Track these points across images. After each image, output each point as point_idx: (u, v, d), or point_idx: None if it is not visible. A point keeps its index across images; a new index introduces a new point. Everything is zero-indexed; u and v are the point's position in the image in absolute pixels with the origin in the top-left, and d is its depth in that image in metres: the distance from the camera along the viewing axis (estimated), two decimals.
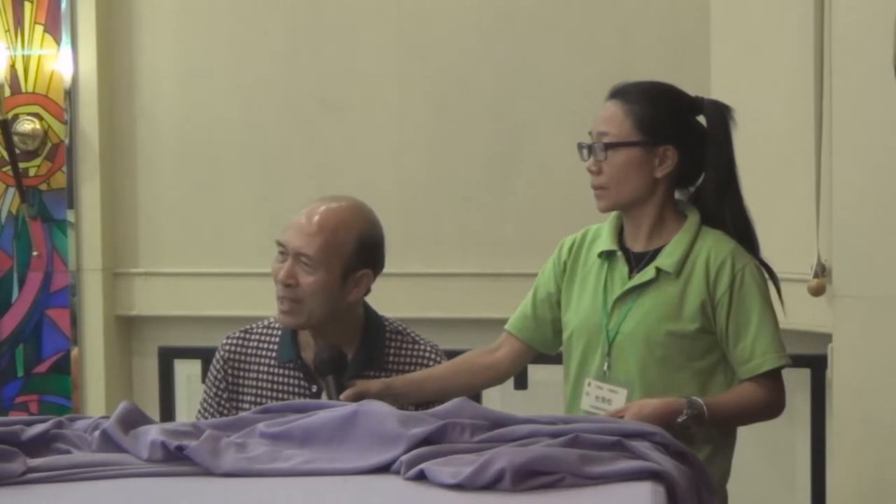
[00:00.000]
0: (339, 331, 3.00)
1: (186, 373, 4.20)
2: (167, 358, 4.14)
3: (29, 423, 2.41)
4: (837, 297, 3.75)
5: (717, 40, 4.31)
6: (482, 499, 2.08)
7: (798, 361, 3.54)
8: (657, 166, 2.88)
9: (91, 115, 4.79)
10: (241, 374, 3.08)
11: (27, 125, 4.78)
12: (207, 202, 4.81)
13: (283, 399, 3.00)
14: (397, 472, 2.20)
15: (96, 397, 4.82)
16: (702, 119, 2.93)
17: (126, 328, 4.93)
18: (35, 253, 4.81)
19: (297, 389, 3.02)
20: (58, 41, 4.76)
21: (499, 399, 3.89)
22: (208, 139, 4.81)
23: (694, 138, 2.90)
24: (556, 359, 3.05)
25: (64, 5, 4.74)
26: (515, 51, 4.60)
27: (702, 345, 2.86)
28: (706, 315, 2.85)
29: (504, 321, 3.09)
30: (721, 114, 2.91)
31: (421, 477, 2.16)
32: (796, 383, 3.73)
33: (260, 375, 3.06)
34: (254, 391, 3.06)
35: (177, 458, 2.25)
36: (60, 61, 4.76)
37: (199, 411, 3.14)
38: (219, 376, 3.10)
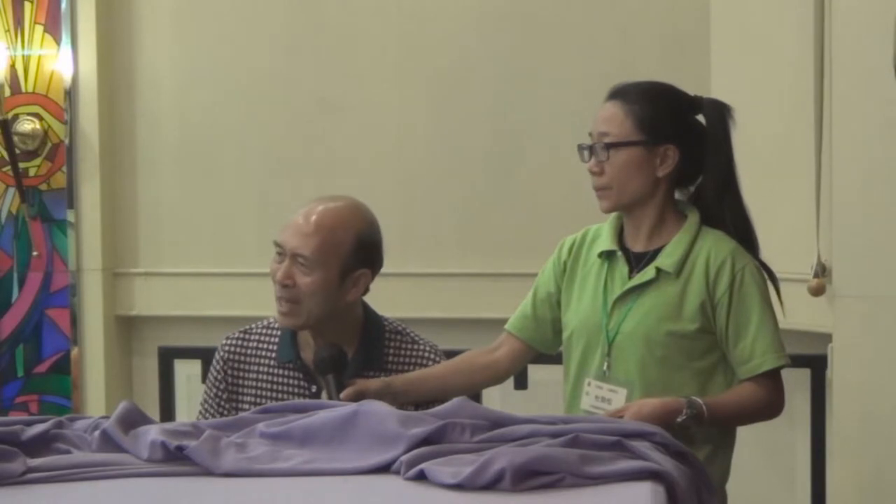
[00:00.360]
0: (339, 330, 2.99)
1: (186, 373, 4.20)
2: (167, 358, 4.14)
3: (29, 423, 2.41)
4: (837, 297, 3.75)
5: (717, 40, 4.31)
6: (482, 499, 2.08)
7: (798, 361, 3.54)
8: (658, 165, 2.88)
9: (91, 115, 4.79)
10: (241, 374, 3.08)
11: (27, 125, 4.78)
12: (207, 202, 4.81)
13: (282, 399, 3.00)
14: (397, 472, 2.20)
15: (96, 397, 4.82)
16: (701, 118, 2.93)
17: (126, 328, 4.94)
18: (35, 253, 4.81)
19: (296, 389, 3.02)
20: (58, 41, 4.76)
21: (499, 399, 3.89)
22: (208, 139, 4.81)
23: (694, 137, 2.90)
24: (556, 359, 3.05)
25: (64, 5, 4.74)
26: (515, 51, 4.60)
27: (701, 345, 2.86)
28: (706, 315, 2.85)
29: (504, 321, 3.09)
30: (720, 113, 2.92)
31: (421, 477, 2.16)
32: (796, 383, 3.73)
33: (259, 376, 3.06)
34: (253, 391, 3.06)
35: (177, 458, 2.25)
36: (60, 61, 4.76)
37: (200, 412, 3.14)
38: (218, 377, 3.10)
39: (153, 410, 3.88)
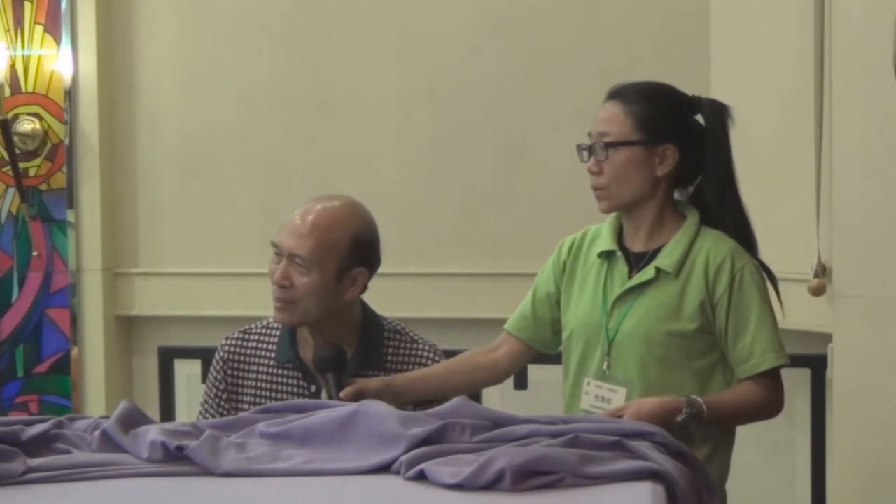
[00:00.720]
0: (338, 330, 3.00)
1: (186, 373, 4.20)
2: (167, 358, 4.14)
3: (29, 423, 2.41)
4: (837, 297, 3.75)
5: (717, 40, 4.31)
6: (482, 499, 2.08)
7: (798, 361, 3.54)
8: (658, 165, 2.88)
9: (91, 115, 4.79)
10: (241, 374, 3.08)
11: (27, 125, 4.78)
12: (207, 202, 4.81)
13: (282, 399, 3.00)
14: (397, 472, 2.20)
15: (96, 397, 4.82)
16: (700, 118, 2.93)
17: (126, 328, 4.94)
18: (35, 253, 4.81)
19: (295, 389, 3.02)
20: (58, 41, 4.76)
21: (499, 399, 3.89)
22: (208, 139, 4.81)
23: (693, 137, 2.91)
24: (556, 359, 3.05)
25: (64, 5, 4.74)
26: (515, 51, 4.60)
27: (701, 344, 2.86)
28: (705, 314, 2.85)
29: (504, 321, 3.10)
30: (719, 113, 2.92)
31: (421, 477, 2.16)
32: (796, 383, 3.73)
33: (259, 376, 3.06)
34: (253, 391, 3.06)
35: (177, 458, 2.25)
36: (60, 61, 4.76)
37: (200, 412, 3.14)
38: (218, 377, 3.10)
39: (153, 410, 3.88)
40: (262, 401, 3.01)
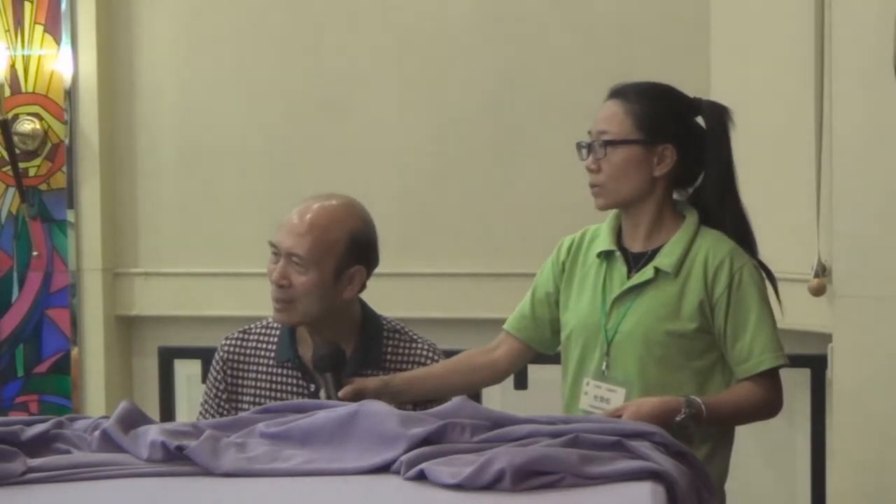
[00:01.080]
0: (337, 329, 3.00)
1: (186, 373, 4.20)
2: (167, 358, 4.14)
3: (29, 423, 2.41)
4: (837, 297, 3.75)
5: (717, 40, 4.31)
6: (482, 499, 2.08)
7: (798, 361, 3.54)
8: (656, 165, 2.88)
9: (91, 115, 4.78)
10: (240, 374, 3.08)
11: (27, 125, 4.78)
12: (207, 202, 4.81)
13: (281, 399, 3.00)
14: (397, 472, 2.20)
15: (96, 397, 4.81)
16: (700, 120, 2.93)
17: (126, 328, 4.93)
18: (35, 253, 4.81)
19: (295, 389, 3.02)
20: (58, 41, 4.76)
21: (499, 399, 3.89)
22: (208, 139, 4.81)
23: (693, 138, 2.91)
24: (556, 358, 3.05)
25: (64, 5, 4.74)
26: (515, 51, 4.60)
27: (700, 344, 2.86)
28: (704, 314, 2.85)
29: (503, 321, 3.10)
30: (719, 115, 2.92)
31: (421, 477, 2.16)
32: (796, 383, 3.73)
33: (259, 375, 3.06)
34: (253, 391, 3.06)
35: (177, 458, 2.25)
36: (60, 61, 4.76)
37: (200, 412, 3.14)
38: (218, 377, 3.10)
39: (153, 410, 3.88)
40: (262, 400, 3.02)
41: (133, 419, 2.41)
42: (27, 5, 4.76)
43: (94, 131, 4.79)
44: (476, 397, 3.37)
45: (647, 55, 4.42)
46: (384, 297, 3.19)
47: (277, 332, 3.08)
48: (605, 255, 2.94)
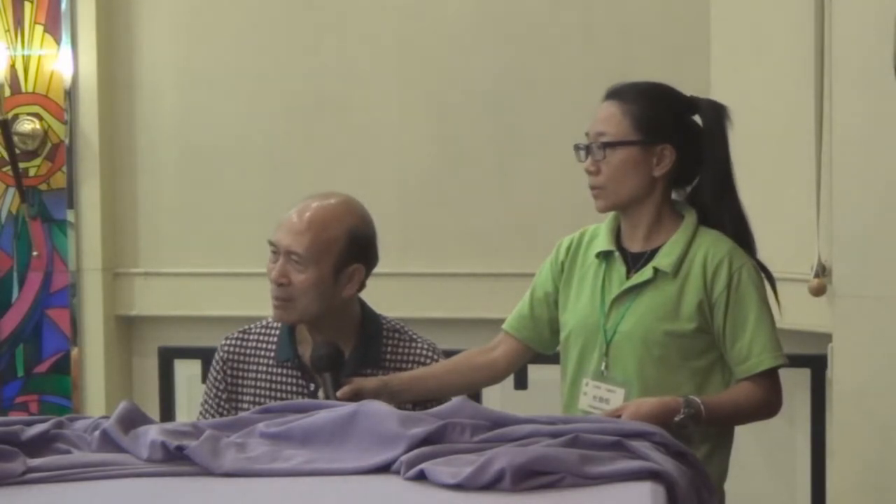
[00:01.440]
0: (336, 328, 3.00)
1: (186, 373, 4.20)
2: (167, 358, 4.14)
3: (29, 423, 2.41)
4: (837, 297, 3.75)
5: (717, 40, 4.31)
6: (482, 499, 2.08)
7: (798, 361, 3.54)
8: (655, 165, 2.88)
9: (91, 115, 4.79)
10: (240, 374, 3.08)
11: (27, 125, 4.78)
12: (207, 202, 4.81)
13: (281, 398, 3.00)
14: (397, 472, 2.20)
15: (96, 397, 4.82)
16: (698, 119, 2.93)
17: (126, 328, 4.94)
18: (35, 253, 4.81)
19: (295, 388, 3.02)
20: (58, 41, 4.76)
21: (499, 399, 3.89)
22: (208, 139, 4.81)
23: (691, 138, 2.90)
24: (556, 358, 3.05)
25: (64, 5, 4.74)
26: (515, 51, 4.60)
27: (699, 344, 2.86)
28: (703, 315, 2.85)
29: (503, 321, 3.09)
30: (717, 113, 2.92)
31: (421, 477, 2.16)
32: (796, 383, 3.73)
33: (259, 375, 3.06)
34: (252, 391, 3.06)
35: (177, 458, 2.25)
36: (60, 61, 4.76)
37: (200, 412, 3.14)
38: (218, 377, 3.10)
39: (153, 410, 3.88)
40: (262, 400, 3.02)
41: (133, 419, 2.41)
42: (27, 5, 4.76)
43: (94, 131, 4.79)
44: (476, 397, 3.37)
45: (647, 55, 4.42)
46: (384, 297, 3.19)
47: (277, 332, 3.08)
48: (604, 256, 2.93)
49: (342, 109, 4.71)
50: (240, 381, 3.08)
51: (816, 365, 3.82)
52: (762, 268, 2.92)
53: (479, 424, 2.32)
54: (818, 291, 3.81)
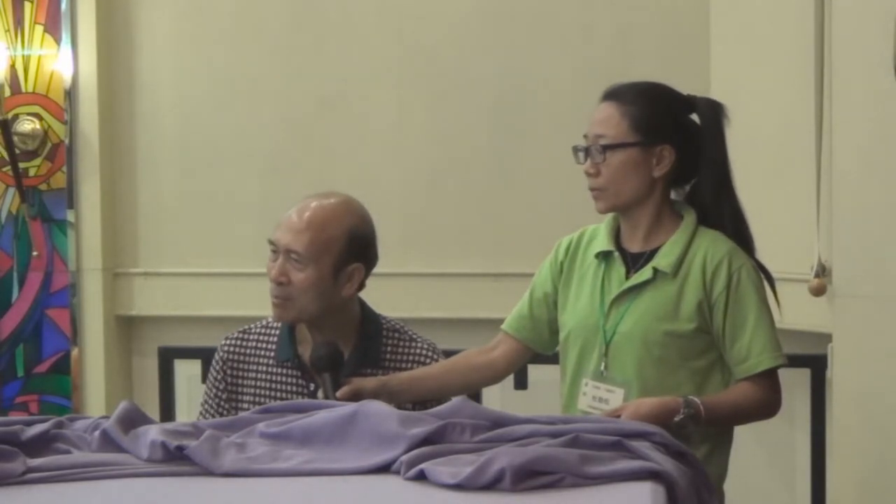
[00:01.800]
0: (336, 328, 3.00)
1: (186, 373, 4.20)
2: (167, 358, 4.14)
3: (29, 423, 2.41)
4: (837, 297, 3.75)
5: (717, 40, 4.31)
6: (482, 499, 2.08)
7: (798, 361, 3.54)
8: (655, 166, 2.88)
9: (91, 115, 4.79)
10: (240, 374, 3.08)
11: (27, 125, 4.78)
12: (207, 202, 4.81)
13: (281, 398, 3.00)
14: (397, 472, 2.20)
15: (96, 397, 4.82)
16: (695, 117, 2.93)
17: (126, 328, 4.94)
18: (35, 253, 4.81)
19: (295, 388, 3.02)
20: (58, 41, 4.76)
21: (499, 399, 3.89)
22: (208, 139, 4.81)
23: (689, 137, 2.90)
24: (556, 359, 3.04)
25: (64, 5, 4.74)
26: (515, 50, 4.60)
27: (699, 344, 2.86)
28: (703, 315, 2.85)
29: (503, 321, 3.09)
30: (715, 112, 2.92)
31: (421, 477, 2.16)
32: (796, 383, 3.73)
33: (259, 375, 3.06)
34: (252, 391, 3.06)
35: (177, 458, 2.25)
36: (60, 61, 4.76)
37: (200, 412, 3.14)
38: (218, 377, 3.10)
39: (153, 410, 3.88)
40: (262, 400, 3.02)
41: (133, 419, 2.41)
42: (27, 5, 4.76)
43: (94, 131, 4.79)
44: (476, 397, 3.37)
45: (648, 56, 4.42)
46: (384, 297, 3.19)
47: (277, 332, 3.08)
48: (604, 256, 2.93)
49: (342, 110, 4.71)
50: (240, 381, 3.08)
51: (816, 365, 3.82)
52: (761, 268, 2.92)
53: (479, 424, 2.32)
54: (818, 291, 3.81)
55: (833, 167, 3.77)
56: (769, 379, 2.85)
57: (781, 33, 4.04)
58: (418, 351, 3.05)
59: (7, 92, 4.72)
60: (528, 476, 2.11)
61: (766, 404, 2.87)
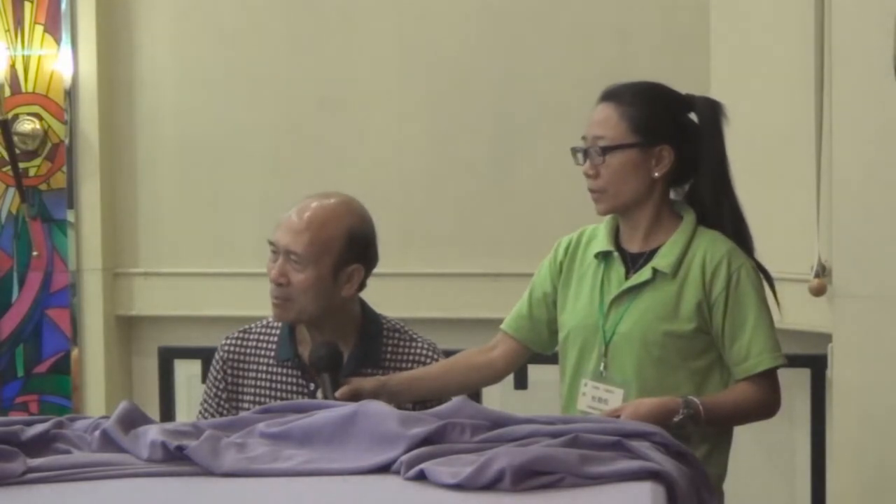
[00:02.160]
0: (336, 327, 3.00)
1: (186, 373, 4.20)
2: (167, 358, 4.14)
3: (29, 423, 2.41)
4: (837, 297, 3.75)
5: (717, 40, 4.31)
6: (482, 499, 2.08)
7: (798, 361, 3.54)
8: (654, 166, 2.88)
9: (91, 115, 4.79)
10: (241, 374, 3.08)
11: (27, 125, 4.78)
12: (207, 202, 4.81)
13: (282, 398, 3.00)
14: (397, 472, 2.20)
15: (96, 397, 4.82)
16: (694, 117, 2.93)
17: (126, 328, 4.94)
18: (35, 253, 4.81)
19: (295, 388, 3.02)
20: (58, 41, 4.76)
21: (499, 399, 3.89)
22: (208, 139, 4.81)
23: (688, 136, 2.90)
24: (556, 359, 3.04)
25: (64, 5, 4.74)
26: (515, 50, 4.60)
27: (698, 345, 2.86)
28: (702, 315, 2.84)
29: (503, 321, 3.09)
30: (713, 110, 2.91)
31: (421, 477, 2.16)
32: (796, 383, 3.73)
33: (259, 375, 3.06)
34: (253, 391, 3.06)
35: (177, 458, 2.25)
36: (60, 61, 4.76)
37: (200, 412, 3.14)
38: (218, 377, 3.10)
39: (153, 410, 3.87)
40: (262, 400, 3.02)
41: (133, 419, 2.41)
42: (27, 5, 4.76)
43: (94, 131, 4.79)
44: (476, 397, 3.37)
45: (647, 56, 4.42)
46: (384, 297, 3.19)
47: (277, 332, 3.08)
48: (603, 256, 2.93)
49: (342, 109, 4.71)
50: (240, 381, 3.08)
51: (816, 365, 3.82)
52: (761, 268, 2.91)
53: (479, 424, 2.32)
54: (818, 291, 3.81)
55: (833, 167, 3.77)
56: (769, 379, 2.85)
57: (781, 33, 4.04)
58: (418, 351, 3.05)
59: (7, 92, 4.72)
60: (528, 476, 2.11)
61: (765, 404, 2.87)
